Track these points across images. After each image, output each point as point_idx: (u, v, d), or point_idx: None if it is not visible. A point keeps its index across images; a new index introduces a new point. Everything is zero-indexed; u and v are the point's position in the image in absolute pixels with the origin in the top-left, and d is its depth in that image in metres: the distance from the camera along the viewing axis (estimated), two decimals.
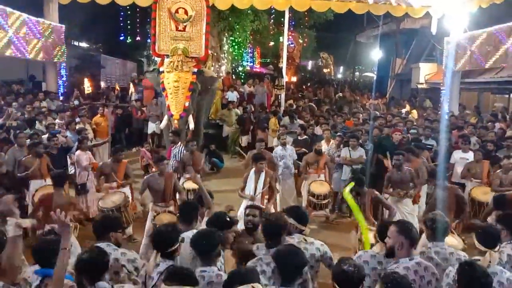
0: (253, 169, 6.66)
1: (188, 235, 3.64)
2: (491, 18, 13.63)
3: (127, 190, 7.15)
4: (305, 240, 3.65)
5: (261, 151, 7.76)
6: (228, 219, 3.80)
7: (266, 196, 6.57)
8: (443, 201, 5.71)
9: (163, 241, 3.30)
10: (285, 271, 3.00)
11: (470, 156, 7.97)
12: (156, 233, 3.45)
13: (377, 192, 6.03)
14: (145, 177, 6.73)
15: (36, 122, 9.50)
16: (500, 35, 11.96)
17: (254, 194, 6.45)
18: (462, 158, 8.04)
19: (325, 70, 34.60)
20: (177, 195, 6.61)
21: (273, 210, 6.56)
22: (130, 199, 6.97)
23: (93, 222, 4.06)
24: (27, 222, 3.07)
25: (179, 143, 8.27)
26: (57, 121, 9.93)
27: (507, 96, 16.90)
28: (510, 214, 4.06)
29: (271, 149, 9.42)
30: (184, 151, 8.11)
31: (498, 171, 7.15)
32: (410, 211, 6.69)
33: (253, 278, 2.69)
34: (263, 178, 6.51)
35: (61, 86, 14.59)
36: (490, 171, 7.57)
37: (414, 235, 3.32)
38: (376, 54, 25.60)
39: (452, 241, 4.89)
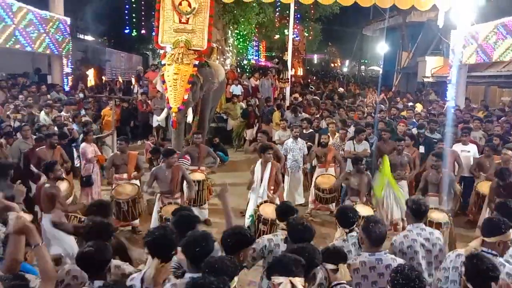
0: (259, 161, 6.69)
1: None
2: (498, 11, 13.51)
3: (136, 181, 7.30)
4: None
5: (264, 142, 7.75)
6: (248, 234, 3.30)
7: (272, 187, 6.57)
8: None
9: (163, 246, 3.04)
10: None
11: (470, 148, 7.94)
12: (154, 238, 3.09)
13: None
14: (153, 169, 6.80)
15: (42, 113, 9.53)
16: (508, 28, 11.84)
17: (260, 184, 6.45)
18: (463, 151, 7.98)
19: (333, 65, 34.35)
20: (185, 186, 6.66)
21: (278, 202, 6.57)
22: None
23: (83, 227, 3.72)
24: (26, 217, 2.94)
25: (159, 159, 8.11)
26: (63, 113, 9.96)
27: None
28: (505, 203, 4.05)
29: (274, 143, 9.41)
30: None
31: (496, 161, 7.16)
32: (403, 193, 7.06)
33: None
34: (269, 169, 6.52)
35: (66, 79, 14.65)
36: None
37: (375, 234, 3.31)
38: (382, 47, 25.45)
39: (438, 215, 5.55)
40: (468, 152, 7.96)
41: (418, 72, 21.93)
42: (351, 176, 6.71)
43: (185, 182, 6.65)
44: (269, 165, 6.54)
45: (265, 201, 6.15)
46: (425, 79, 21.11)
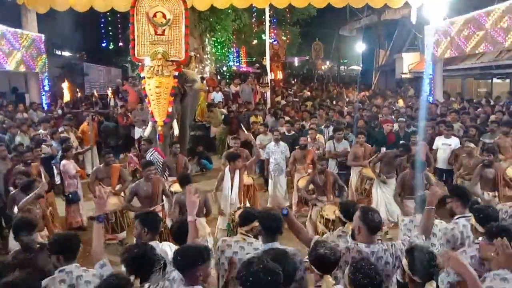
0: (227, 168, 6.67)
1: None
2: (470, 4, 13.77)
3: (122, 193, 7.30)
4: (244, 239, 3.68)
5: (236, 149, 7.76)
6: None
7: (243, 193, 6.61)
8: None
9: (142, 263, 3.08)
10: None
11: (452, 141, 8.03)
12: (132, 255, 3.12)
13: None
14: (132, 185, 6.65)
15: (18, 132, 9.41)
16: (479, 20, 12.09)
17: (231, 193, 6.47)
18: (444, 144, 8.10)
19: (321, 67, 33.98)
20: (164, 199, 6.60)
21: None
22: None
23: (50, 242, 3.58)
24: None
25: (151, 149, 8.24)
26: (40, 131, 9.86)
27: (489, 81, 17.09)
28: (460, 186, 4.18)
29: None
30: (158, 157, 8.07)
31: (463, 155, 7.26)
32: (390, 192, 7.01)
33: None
34: (239, 176, 6.53)
35: (44, 97, 14.49)
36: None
37: (373, 222, 3.29)
38: (360, 47, 25.77)
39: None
40: (450, 145, 8.05)
41: (396, 69, 22.22)
42: (315, 177, 6.74)
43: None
44: (237, 173, 6.55)
45: (239, 208, 6.14)
46: (403, 76, 21.42)
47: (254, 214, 3.81)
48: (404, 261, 2.88)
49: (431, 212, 3.54)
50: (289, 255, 2.98)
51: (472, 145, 7.10)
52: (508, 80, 15.92)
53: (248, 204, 6.77)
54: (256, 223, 3.70)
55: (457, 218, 3.94)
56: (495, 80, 16.74)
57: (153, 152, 8.16)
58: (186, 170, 7.94)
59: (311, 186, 7.07)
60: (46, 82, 14.67)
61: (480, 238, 3.29)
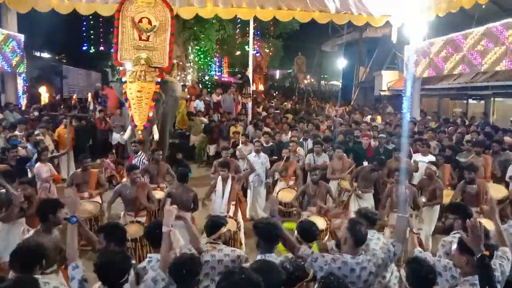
0: (220, 177, 6.66)
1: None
2: (449, 26, 14.17)
3: (98, 199, 7.19)
4: (214, 247, 3.67)
5: (227, 159, 7.73)
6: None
7: (233, 203, 6.56)
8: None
9: (112, 272, 2.92)
10: None
11: (429, 159, 8.17)
12: (102, 264, 2.95)
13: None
14: (117, 186, 6.72)
15: None
16: (457, 42, 12.44)
17: (222, 200, 6.42)
18: (420, 161, 8.18)
19: (303, 81, 34.09)
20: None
21: (240, 218, 6.58)
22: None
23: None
24: None
25: (140, 152, 8.17)
26: (16, 132, 9.62)
27: (465, 101, 17.53)
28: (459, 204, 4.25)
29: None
30: (145, 161, 8.01)
31: (423, 177, 7.28)
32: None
33: None
34: (230, 185, 6.50)
35: (21, 98, 14.15)
36: (451, 174, 7.85)
37: (360, 234, 3.35)
38: (341, 62, 26.13)
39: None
40: (426, 163, 8.17)
41: (375, 86, 22.58)
42: (308, 187, 6.80)
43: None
44: (229, 181, 6.52)
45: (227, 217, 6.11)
46: (382, 93, 21.77)
47: (220, 221, 3.83)
48: (403, 272, 2.93)
49: (404, 220, 3.62)
50: (275, 267, 2.86)
51: (433, 167, 7.08)
52: (482, 101, 16.36)
53: (239, 214, 6.72)
54: (223, 230, 3.74)
55: (456, 233, 3.98)
56: (470, 100, 17.18)
57: (141, 157, 8.08)
58: (171, 177, 7.91)
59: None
60: (23, 83, 14.35)
61: (453, 248, 3.36)
